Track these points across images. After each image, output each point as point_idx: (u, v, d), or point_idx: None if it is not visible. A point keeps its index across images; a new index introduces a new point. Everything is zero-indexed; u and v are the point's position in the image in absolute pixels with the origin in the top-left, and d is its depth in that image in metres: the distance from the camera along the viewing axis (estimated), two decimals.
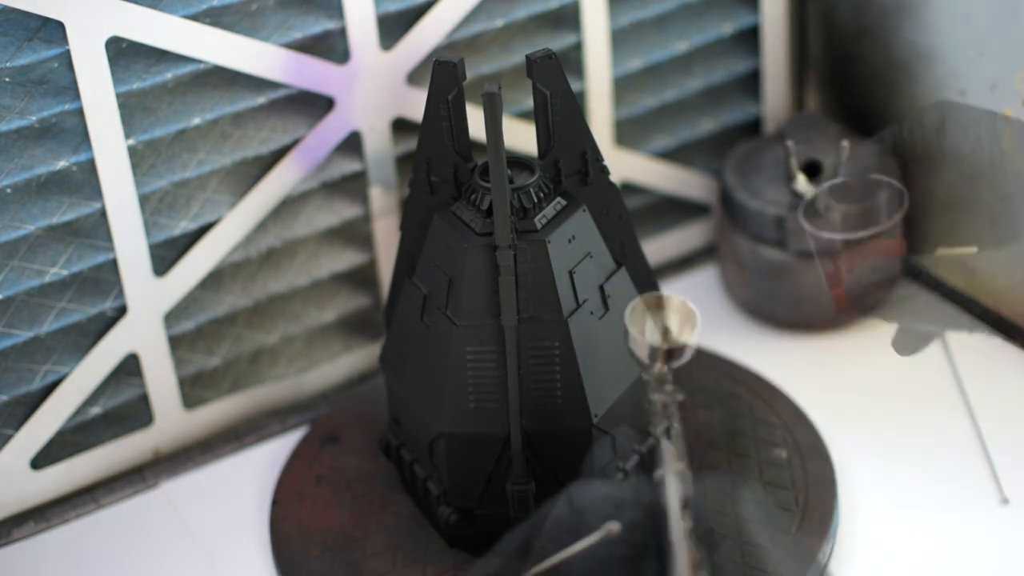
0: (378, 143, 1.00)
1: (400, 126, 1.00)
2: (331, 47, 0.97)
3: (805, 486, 0.91)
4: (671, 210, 1.12)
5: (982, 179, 1.01)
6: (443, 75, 0.84)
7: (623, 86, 1.07)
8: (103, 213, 0.93)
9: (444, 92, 0.84)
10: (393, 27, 0.98)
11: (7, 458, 0.95)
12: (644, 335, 0.75)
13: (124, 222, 0.93)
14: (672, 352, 0.76)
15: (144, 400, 0.99)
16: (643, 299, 0.75)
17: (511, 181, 0.84)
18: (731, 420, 0.96)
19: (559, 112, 0.85)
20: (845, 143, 1.00)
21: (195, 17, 0.91)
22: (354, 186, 1.01)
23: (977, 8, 0.98)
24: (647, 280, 0.91)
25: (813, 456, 0.93)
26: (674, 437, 0.72)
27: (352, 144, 0.99)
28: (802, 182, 1.01)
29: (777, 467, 0.92)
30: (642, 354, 0.76)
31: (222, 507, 0.96)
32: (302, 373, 1.04)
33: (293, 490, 0.94)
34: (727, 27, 1.09)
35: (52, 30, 0.88)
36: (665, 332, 0.76)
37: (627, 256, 0.90)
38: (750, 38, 1.11)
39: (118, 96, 0.90)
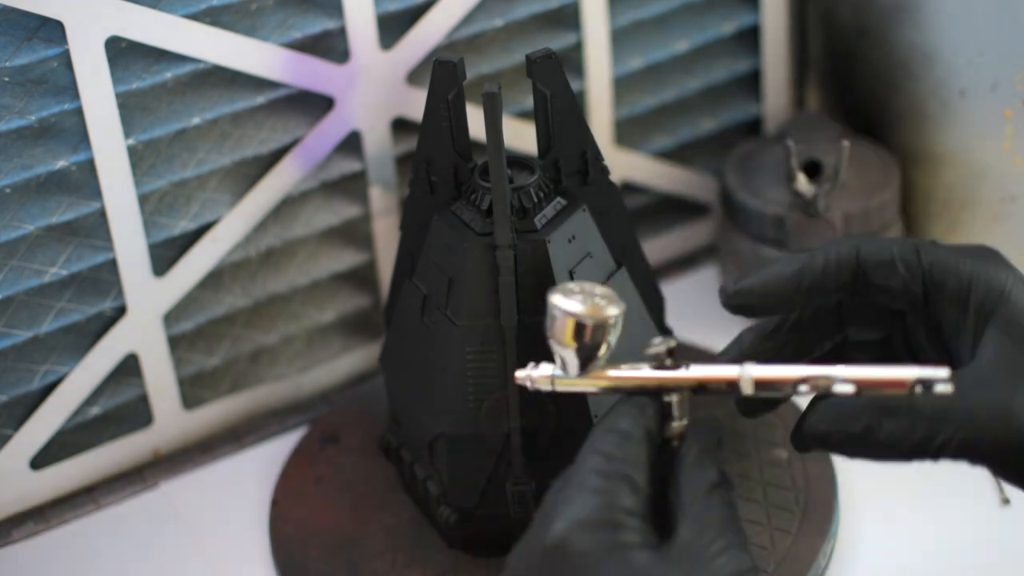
0: (378, 143, 1.00)
1: (400, 126, 1.00)
2: (331, 47, 0.97)
3: (805, 486, 0.91)
4: (671, 210, 1.12)
5: (983, 179, 1.01)
6: (443, 75, 0.84)
7: (623, 86, 1.07)
8: (102, 213, 0.92)
9: (444, 92, 0.84)
10: (393, 27, 0.98)
11: (7, 458, 0.95)
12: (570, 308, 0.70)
13: (124, 222, 0.93)
14: (603, 329, 0.70)
15: (144, 400, 0.99)
16: (562, 286, 0.71)
17: (511, 181, 0.84)
18: (731, 420, 0.96)
19: (559, 112, 0.85)
20: (845, 143, 1.00)
21: (195, 17, 0.91)
22: (354, 186, 1.01)
23: (977, 8, 0.98)
24: (647, 280, 0.91)
25: (813, 456, 0.93)
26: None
27: (352, 144, 0.99)
28: (802, 182, 1.01)
29: (777, 467, 0.92)
30: (563, 336, 0.70)
31: (222, 507, 0.96)
32: (302, 373, 1.04)
33: (293, 490, 0.94)
34: (727, 27, 1.09)
35: (51, 30, 0.88)
36: (590, 307, 0.70)
37: (627, 256, 0.90)
38: (750, 38, 1.11)
39: (118, 96, 0.90)
